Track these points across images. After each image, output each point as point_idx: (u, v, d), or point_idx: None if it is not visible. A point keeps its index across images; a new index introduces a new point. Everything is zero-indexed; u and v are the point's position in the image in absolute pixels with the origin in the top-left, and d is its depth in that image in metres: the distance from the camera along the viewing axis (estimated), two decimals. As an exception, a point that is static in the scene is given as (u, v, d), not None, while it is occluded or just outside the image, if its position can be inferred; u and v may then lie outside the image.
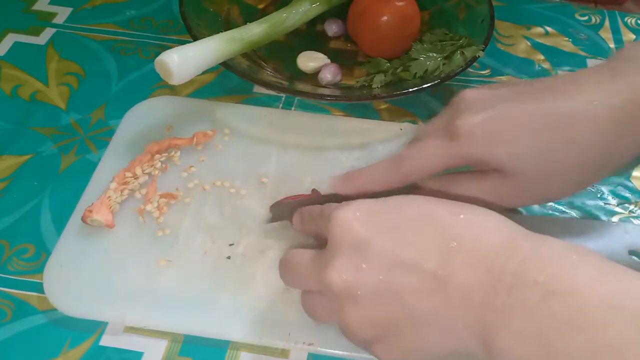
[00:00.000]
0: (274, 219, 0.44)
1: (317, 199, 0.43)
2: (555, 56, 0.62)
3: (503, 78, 0.60)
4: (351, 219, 0.30)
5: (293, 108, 0.55)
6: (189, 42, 0.48)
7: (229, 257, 0.43)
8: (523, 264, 0.26)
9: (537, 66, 0.61)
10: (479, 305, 0.27)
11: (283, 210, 0.43)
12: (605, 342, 0.23)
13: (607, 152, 0.34)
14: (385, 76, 0.54)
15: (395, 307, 0.29)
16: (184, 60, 0.45)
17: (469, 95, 0.36)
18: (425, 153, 0.36)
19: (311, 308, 0.34)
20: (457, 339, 0.28)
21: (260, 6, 0.64)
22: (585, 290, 0.24)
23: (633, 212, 0.48)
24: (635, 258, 0.41)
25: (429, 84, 0.50)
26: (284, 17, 0.54)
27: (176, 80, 0.45)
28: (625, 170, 0.47)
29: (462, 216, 0.30)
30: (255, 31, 0.52)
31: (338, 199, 0.38)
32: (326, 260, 0.31)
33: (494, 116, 0.34)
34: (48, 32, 0.62)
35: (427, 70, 0.53)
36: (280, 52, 0.59)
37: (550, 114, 0.33)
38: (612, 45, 0.63)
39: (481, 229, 0.29)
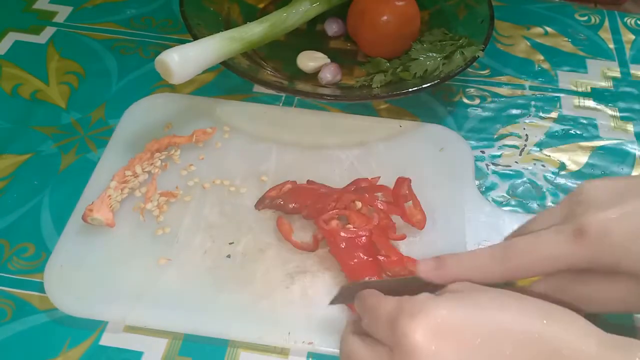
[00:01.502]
0: (338, 300, 0.37)
1: (393, 283, 0.38)
2: (555, 56, 0.62)
3: (503, 78, 0.60)
4: (428, 337, 0.27)
5: (293, 107, 0.55)
6: (189, 41, 0.48)
7: (229, 256, 0.43)
8: None
9: (536, 66, 0.61)
10: None
11: (352, 293, 0.37)
12: None
13: None
14: (385, 76, 0.54)
15: None
16: (184, 60, 0.45)
17: (592, 188, 0.32)
18: (541, 250, 0.32)
19: None
20: None
21: (261, 6, 0.64)
22: None
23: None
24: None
25: (428, 84, 0.50)
26: (284, 16, 0.54)
27: (176, 79, 0.45)
28: None
29: (545, 321, 0.27)
30: (255, 31, 0.52)
31: (418, 284, 0.34)
32: None
33: (629, 212, 0.30)
34: (48, 31, 0.62)
35: (426, 70, 0.53)
36: (280, 51, 0.59)
37: None
38: (611, 46, 0.63)
39: (570, 336, 0.27)
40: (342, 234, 0.41)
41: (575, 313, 0.28)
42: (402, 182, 0.46)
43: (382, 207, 0.44)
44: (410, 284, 0.34)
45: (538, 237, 0.32)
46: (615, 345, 0.27)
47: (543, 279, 0.34)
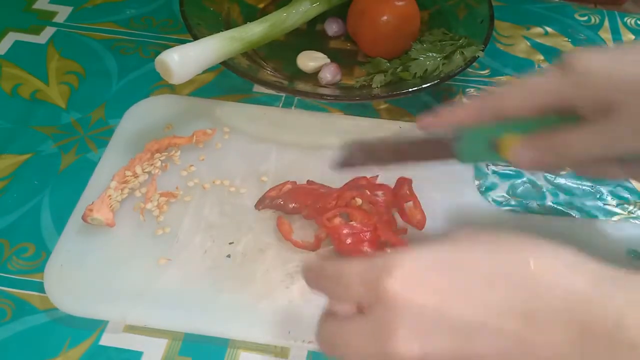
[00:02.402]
0: (345, 164, 0.38)
1: (389, 144, 0.39)
2: (555, 56, 0.62)
3: (503, 78, 0.60)
4: (408, 286, 0.26)
5: (293, 108, 0.55)
6: (189, 41, 0.48)
7: (228, 256, 0.43)
8: (620, 323, 0.23)
9: (536, 66, 0.61)
10: None
11: (356, 152, 0.38)
12: None
13: None
14: (385, 76, 0.54)
15: None
16: (184, 60, 0.45)
17: (583, 49, 0.36)
18: (531, 85, 0.35)
19: None
20: None
21: (261, 5, 0.64)
22: None
23: (632, 213, 0.48)
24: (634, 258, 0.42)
25: (428, 84, 0.50)
26: (284, 16, 0.54)
27: (176, 79, 0.45)
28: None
29: (531, 262, 0.26)
30: (255, 30, 0.52)
31: (414, 141, 0.37)
32: (386, 331, 0.27)
33: (615, 54, 0.34)
34: (48, 31, 0.62)
35: (426, 70, 0.53)
36: (280, 51, 0.59)
37: None
38: (611, 46, 0.63)
39: (558, 275, 0.26)
40: (347, 230, 0.41)
41: (565, 248, 0.27)
42: (403, 182, 0.46)
43: (382, 203, 0.44)
44: (413, 144, 0.38)
45: (529, 77, 0.35)
46: (610, 276, 0.25)
47: (529, 138, 0.35)
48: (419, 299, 0.26)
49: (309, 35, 0.62)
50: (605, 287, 0.25)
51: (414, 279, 0.27)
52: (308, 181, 0.47)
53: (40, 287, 0.41)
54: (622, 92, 0.33)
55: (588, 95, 0.34)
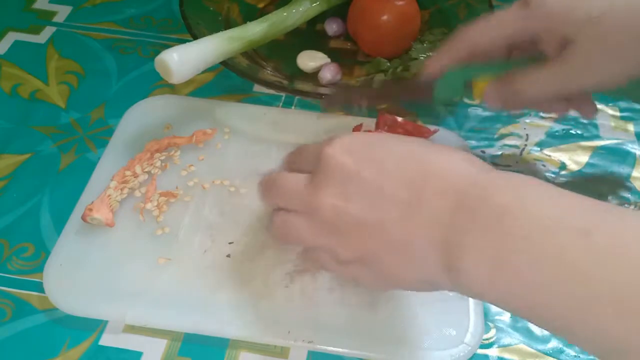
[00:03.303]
0: (329, 103, 0.47)
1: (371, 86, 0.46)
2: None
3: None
4: (340, 152, 0.33)
5: (293, 107, 0.55)
6: (189, 41, 0.48)
7: (228, 256, 0.43)
8: (485, 190, 0.28)
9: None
10: (446, 229, 0.29)
11: (340, 96, 0.47)
12: (549, 251, 0.25)
13: None
14: (385, 76, 0.54)
15: (375, 234, 0.31)
16: (184, 59, 0.45)
17: None
18: (494, 19, 0.40)
19: (285, 228, 0.35)
20: (428, 267, 0.30)
21: (260, 5, 0.64)
22: (536, 209, 0.27)
23: (633, 212, 0.48)
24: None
25: (429, 84, 0.50)
26: (284, 16, 0.54)
27: (176, 79, 0.45)
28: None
29: (434, 151, 0.32)
30: (255, 30, 0.52)
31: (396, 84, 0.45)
32: (317, 185, 0.33)
33: None
34: (48, 31, 0.62)
35: (427, 69, 0.53)
36: (280, 51, 0.59)
37: None
38: (612, 45, 0.63)
39: (451, 162, 0.31)
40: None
41: (467, 152, 0.33)
42: (427, 132, 0.47)
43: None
44: (395, 86, 0.46)
45: (493, 14, 0.41)
46: (488, 167, 0.31)
47: (496, 81, 0.42)
48: (346, 164, 0.32)
49: (309, 35, 0.62)
50: (481, 172, 0.30)
51: (346, 148, 0.33)
52: None
53: (39, 287, 0.41)
54: (576, 25, 0.36)
55: (545, 28, 0.38)
